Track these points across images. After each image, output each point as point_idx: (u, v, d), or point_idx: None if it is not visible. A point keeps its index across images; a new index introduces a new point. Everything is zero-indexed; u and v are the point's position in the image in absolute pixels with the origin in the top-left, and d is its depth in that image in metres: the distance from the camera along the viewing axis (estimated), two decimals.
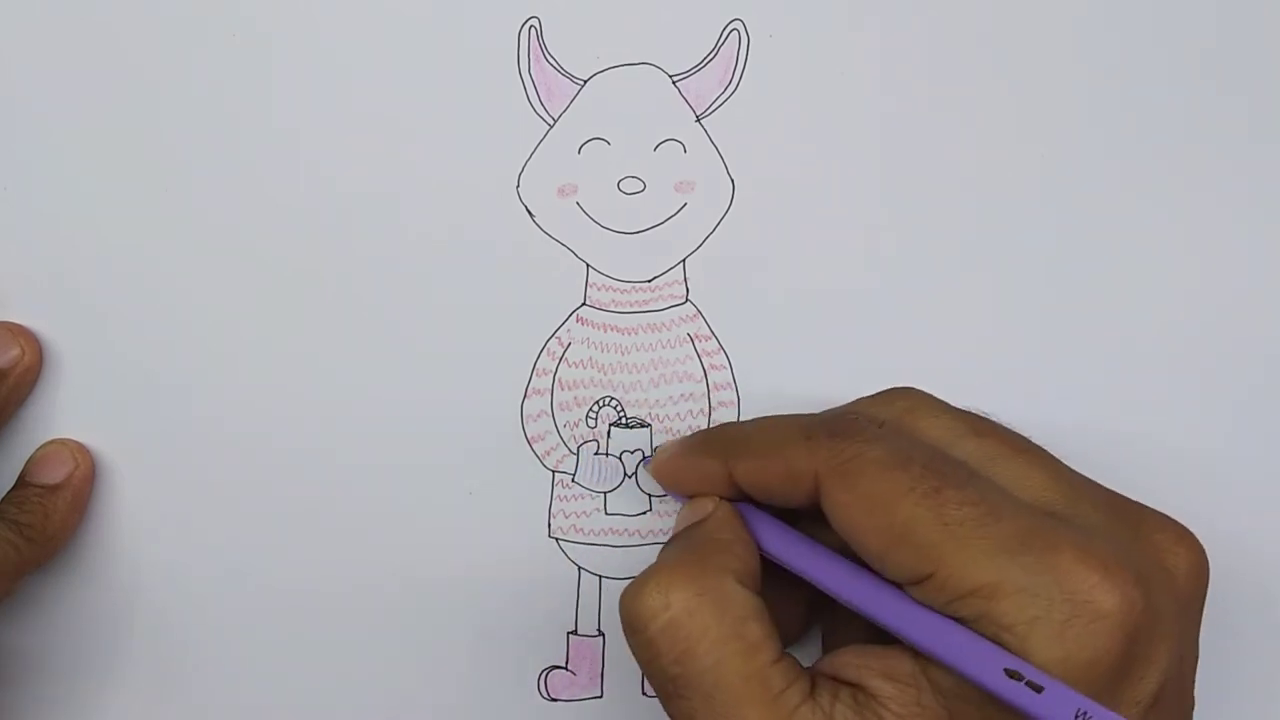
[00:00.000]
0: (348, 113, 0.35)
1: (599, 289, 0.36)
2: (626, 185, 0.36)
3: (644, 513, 0.37)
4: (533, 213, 0.36)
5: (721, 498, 0.33)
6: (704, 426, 0.37)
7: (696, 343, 0.36)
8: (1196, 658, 0.31)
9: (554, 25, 0.35)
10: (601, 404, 0.37)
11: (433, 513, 0.37)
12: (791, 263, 0.36)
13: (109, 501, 0.37)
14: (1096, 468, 0.32)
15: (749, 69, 0.35)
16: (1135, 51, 0.36)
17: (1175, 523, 0.31)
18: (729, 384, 0.36)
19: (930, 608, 0.29)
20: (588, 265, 0.36)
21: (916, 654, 0.29)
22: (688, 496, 0.34)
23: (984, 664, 0.27)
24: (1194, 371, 0.36)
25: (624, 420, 0.37)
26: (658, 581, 0.30)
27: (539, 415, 0.36)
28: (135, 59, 0.35)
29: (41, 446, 0.36)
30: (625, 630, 0.31)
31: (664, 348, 0.36)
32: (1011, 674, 0.27)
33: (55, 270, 0.36)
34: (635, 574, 0.31)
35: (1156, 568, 0.30)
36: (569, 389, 0.36)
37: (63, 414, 0.36)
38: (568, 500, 0.37)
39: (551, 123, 0.36)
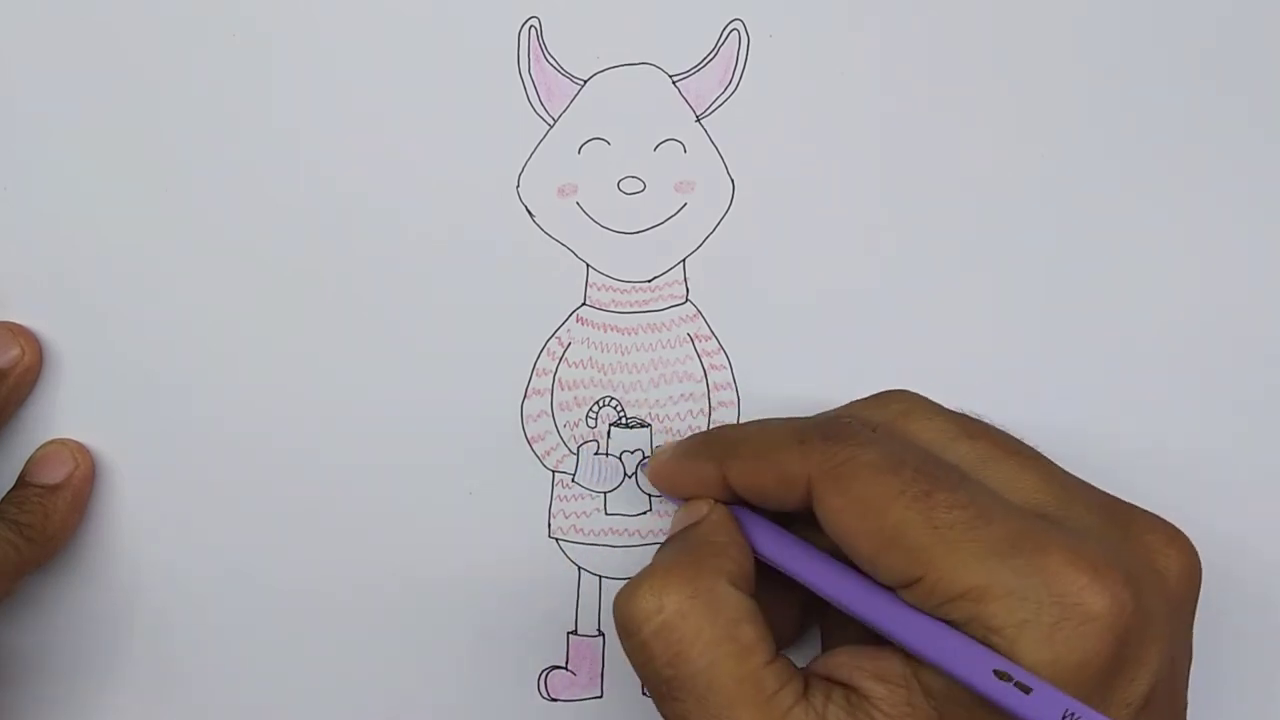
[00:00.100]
0: (348, 113, 0.35)
1: (599, 289, 0.36)
2: (626, 185, 0.36)
3: (644, 513, 0.37)
4: (533, 213, 0.36)
5: (717, 501, 0.33)
6: (704, 426, 0.37)
7: (696, 343, 0.36)
8: (1189, 659, 0.31)
9: (554, 25, 0.35)
10: (601, 404, 0.37)
11: (433, 513, 0.37)
12: (791, 263, 0.36)
13: (109, 501, 0.37)
14: (1096, 468, 0.32)
15: (749, 69, 0.35)
16: (1135, 51, 0.36)
17: (1167, 524, 0.31)
18: (729, 384, 0.36)
19: (921, 610, 0.29)
20: (588, 265, 0.36)
21: (908, 655, 0.29)
22: (684, 499, 0.34)
23: (973, 666, 0.28)
24: (1193, 372, 0.36)
25: (624, 420, 0.37)
26: (651, 584, 0.30)
27: (539, 415, 0.36)
28: (135, 59, 0.35)
29: (41, 446, 0.36)
30: (619, 632, 0.31)
31: (664, 348, 0.36)
32: (1000, 675, 0.27)
33: (55, 270, 0.36)
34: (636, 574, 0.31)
35: (1147, 569, 0.30)
36: (569, 389, 0.36)
37: (63, 414, 0.36)
38: (568, 500, 0.37)
39: (551, 123, 0.35)
